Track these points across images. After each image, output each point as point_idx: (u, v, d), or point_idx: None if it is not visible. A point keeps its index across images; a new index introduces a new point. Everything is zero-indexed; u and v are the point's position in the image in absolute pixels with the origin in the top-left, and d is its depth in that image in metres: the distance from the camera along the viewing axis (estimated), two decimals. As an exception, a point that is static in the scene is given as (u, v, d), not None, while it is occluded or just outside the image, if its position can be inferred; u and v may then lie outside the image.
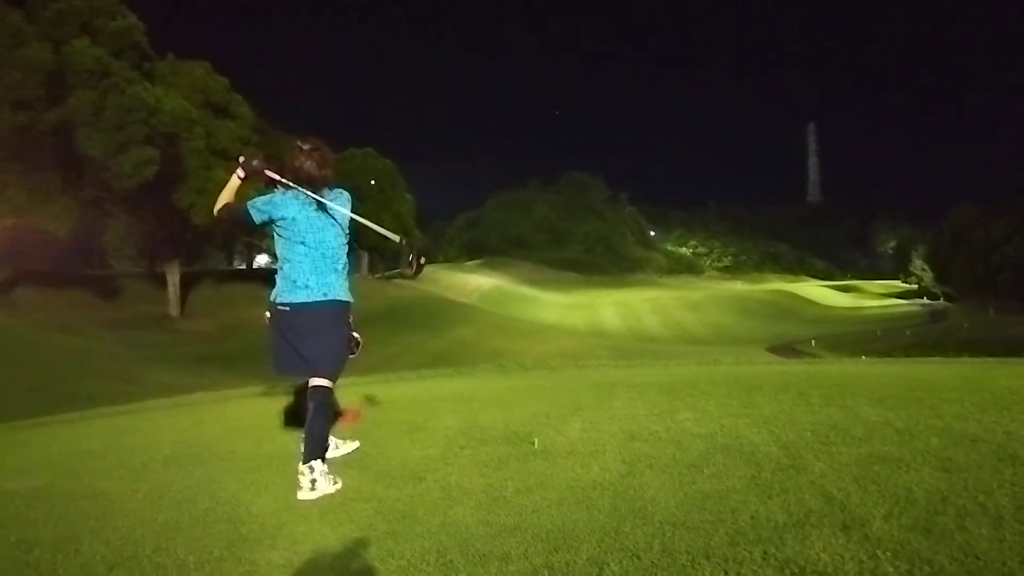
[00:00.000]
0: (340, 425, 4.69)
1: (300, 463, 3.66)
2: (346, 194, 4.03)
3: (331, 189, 3.96)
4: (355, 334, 3.99)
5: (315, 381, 3.86)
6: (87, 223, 44.29)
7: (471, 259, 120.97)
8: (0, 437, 6.94)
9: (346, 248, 4.01)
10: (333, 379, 3.92)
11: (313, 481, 3.60)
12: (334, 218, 3.93)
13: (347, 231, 4.00)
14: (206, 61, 46.24)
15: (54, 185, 35.32)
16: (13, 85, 30.80)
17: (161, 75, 41.38)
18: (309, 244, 3.87)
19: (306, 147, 3.95)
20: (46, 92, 32.07)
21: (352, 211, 3.96)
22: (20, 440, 6.39)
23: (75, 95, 32.93)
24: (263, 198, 3.92)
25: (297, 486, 3.61)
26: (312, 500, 3.47)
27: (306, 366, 3.86)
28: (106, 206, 41.57)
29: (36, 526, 3.29)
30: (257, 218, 3.89)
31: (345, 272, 4.01)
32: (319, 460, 3.69)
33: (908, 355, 15.72)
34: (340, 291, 3.93)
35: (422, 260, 3.87)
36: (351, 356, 3.98)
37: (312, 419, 3.78)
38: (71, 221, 36.75)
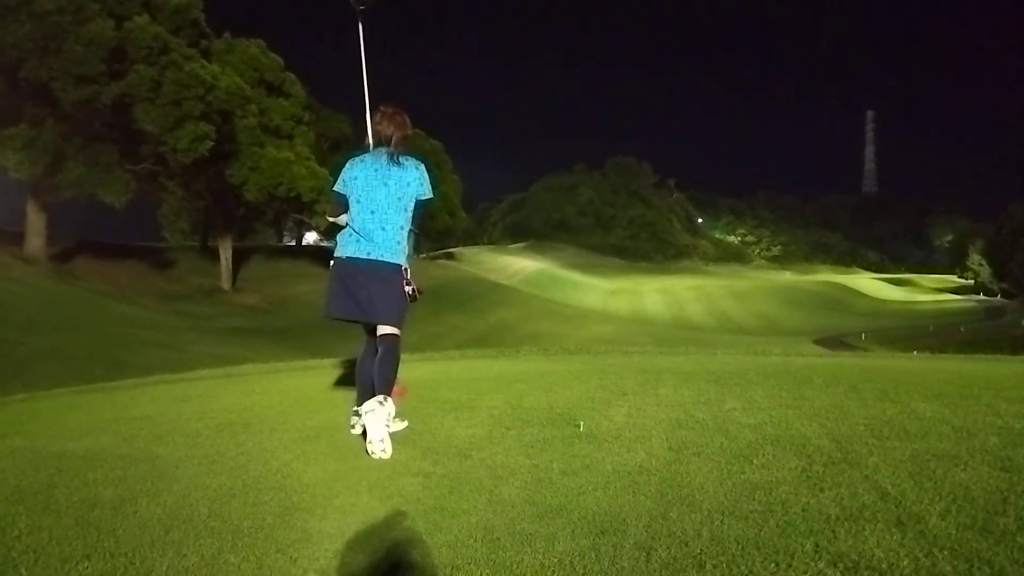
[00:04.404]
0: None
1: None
2: (414, 162, 4.18)
3: (406, 156, 4.15)
4: (411, 286, 4.06)
5: (383, 329, 4.07)
6: (143, 197, 45.45)
7: (515, 242, 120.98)
8: (60, 401, 7.19)
9: (402, 210, 4.10)
10: (398, 326, 4.07)
11: (382, 402, 3.82)
12: (389, 179, 4.08)
13: (403, 195, 4.10)
14: (261, 39, 46.85)
15: (112, 159, 36.26)
16: (76, 59, 31.57)
17: (217, 52, 42.01)
18: (362, 202, 4.09)
19: (388, 111, 4.21)
20: (107, 67, 32.82)
21: (422, 182, 4.14)
22: (79, 404, 6.61)
23: (135, 71, 33.66)
24: (341, 173, 4.22)
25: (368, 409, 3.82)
26: (360, 472, 3.50)
27: (360, 312, 4.05)
28: (161, 180, 42.55)
29: (96, 487, 3.39)
30: (340, 188, 4.18)
31: (396, 231, 4.07)
32: (388, 395, 3.90)
33: (961, 352, 15.29)
34: (386, 252, 4.03)
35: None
36: (412, 302, 4.09)
37: (380, 361, 3.99)
38: (128, 194, 37.70)
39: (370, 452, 3.74)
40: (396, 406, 4.34)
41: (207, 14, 39.47)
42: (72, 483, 3.45)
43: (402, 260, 4.08)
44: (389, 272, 4.03)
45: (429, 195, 4.19)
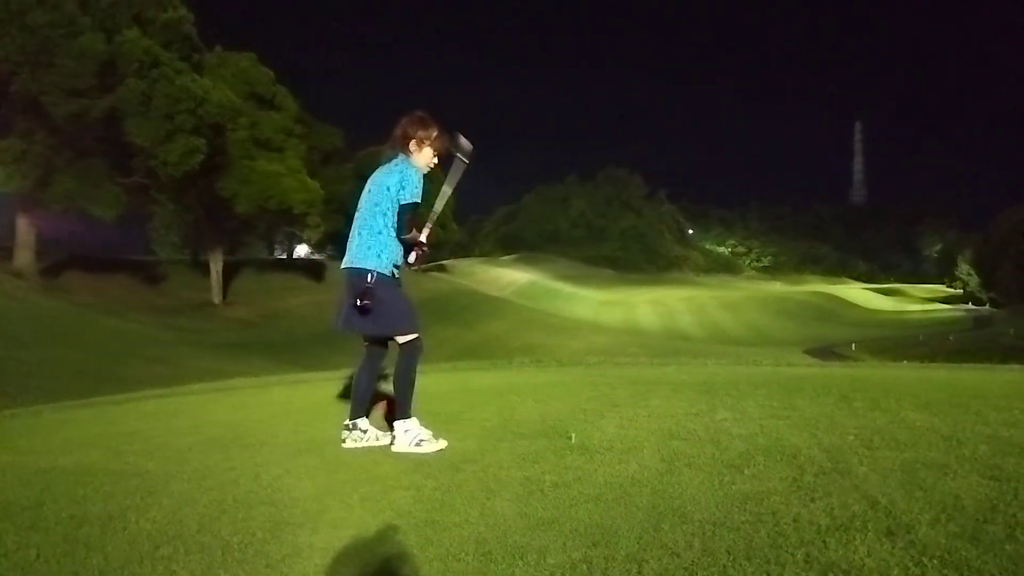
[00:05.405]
0: (378, 413, 4.77)
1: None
2: (402, 166, 4.07)
3: (394, 159, 4.12)
4: (364, 296, 3.94)
5: (397, 340, 4.16)
6: (134, 210, 45.32)
7: (507, 253, 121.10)
8: (50, 416, 7.14)
9: (379, 215, 4.03)
10: (403, 333, 4.12)
11: (400, 435, 4.06)
12: (373, 183, 4.10)
13: (381, 200, 4.03)
14: (252, 53, 46.94)
15: (103, 172, 36.19)
16: (67, 73, 31.56)
17: (209, 66, 42.09)
18: (356, 210, 4.15)
19: (412, 116, 4.20)
20: (98, 81, 32.82)
21: (403, 185, 4.01)
22: (68, 419, 6.57)
23: (126, 84, 33.66)
24: None
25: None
26: (351, 485, 3.48)
27: (351, 323, 4.07)
28: (152, 193, 42.46)
29: (85, 503, 3.36)
30: None
31: (371, 237, 4.03)
32: (405, 419, 4.08)
33: (951, 361, 15.39)
34: (355, 258, 4.05)
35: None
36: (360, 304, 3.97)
37: (393, 379, 4.20)
38: (119, 208, 37.60)
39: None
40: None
41: (199, 28, 39.57)
42: (61, 499, 3.42)
43: (372, 264, 3.99)
44: (359, 278, 4.00)
45: (410, 199, 4.00)
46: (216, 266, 45.56)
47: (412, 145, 4.10)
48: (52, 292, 35.59)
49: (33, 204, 36.03)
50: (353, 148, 59.21)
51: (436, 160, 4.21)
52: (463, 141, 4.15)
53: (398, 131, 4.11)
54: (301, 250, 76.41)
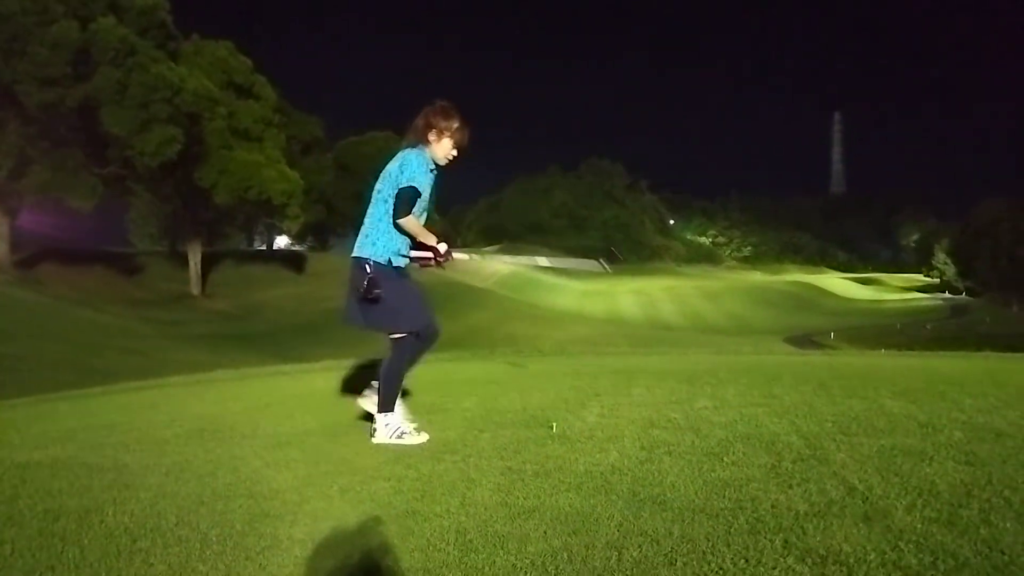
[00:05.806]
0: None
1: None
2: (407, 153, 3.97)
3: (413, 147, 4.00)
4: (366, 285, 3.89)
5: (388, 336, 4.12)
6: (110, 202, 44.77)
7: (489, 244, 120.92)
8: (24, 410, 7.04)
9: (380, 203, 3.97)
10: (394, 331, 4.06)
11: (380, 428, 4.02)
12: (382, 172, 4.02)
13: (383, 187, 3.97)
14: (230, 41, 46.35)
15: (79, 162, 35.70)
16: (41, 62, 31.07)
17: (185, 55, 41.55)
18: None
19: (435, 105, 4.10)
20: (72, 70, 32.35)
21: (402, 170, 3.92)
22: (43, 412, 6.48)
23: (100, 73, 33.17)
24: None
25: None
26: (331, 476, 3.47)
27: (351, 319, 4.06)
28: (129, 184, 41.95)
29: (61, 497, 3.32)
30: None
31: (372, 225, 3.98)
32: (386, 412, 4.01)
33: (928, 349, 15.59)
34: (356, 247, 4.01)
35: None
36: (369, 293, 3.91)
37: (380, 374, 4.10)
38: (95, 199, 37.13)
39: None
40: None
41: (175, 15, 39.05)
42: (36, 493, 3.37)
43: (367, 253, 3.93)
44: (356, 268, 3.96)
45: (406, 183, 3.85)
46: (195, 257, 45.15)
47: (432, 135, 3.99)
48: (28, 284, 35.11)
49: (7, 195, 35.49)
50: (333, 138, 58.91)
51: (455, 152, 4.09)
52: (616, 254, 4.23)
53: (420, 120, 4.01)
54: (281, 241, 75.85)
